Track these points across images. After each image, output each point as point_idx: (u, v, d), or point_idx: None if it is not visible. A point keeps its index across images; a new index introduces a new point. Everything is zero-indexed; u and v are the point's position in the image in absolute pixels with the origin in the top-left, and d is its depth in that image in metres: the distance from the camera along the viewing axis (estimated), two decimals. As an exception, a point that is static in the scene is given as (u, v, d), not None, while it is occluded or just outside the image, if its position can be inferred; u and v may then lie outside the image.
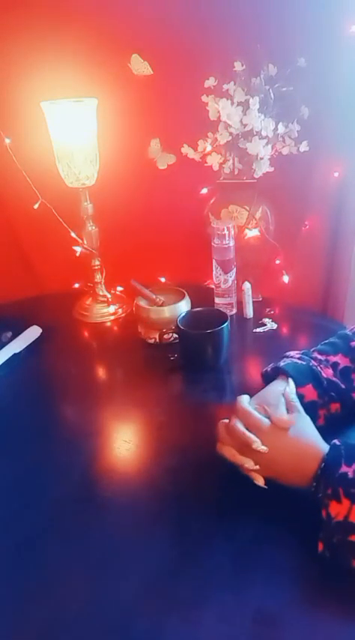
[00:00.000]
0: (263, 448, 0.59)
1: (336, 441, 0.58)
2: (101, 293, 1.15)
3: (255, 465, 0.59)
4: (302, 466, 0.57)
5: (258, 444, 0.59)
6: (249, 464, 0.59)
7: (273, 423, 0.61)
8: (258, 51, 0.93)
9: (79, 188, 1.04)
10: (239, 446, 0.61)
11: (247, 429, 0.61)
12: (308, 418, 0.62)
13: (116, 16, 0.98)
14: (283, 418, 0.61)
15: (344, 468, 0.54)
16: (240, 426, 0.61)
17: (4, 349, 0.98)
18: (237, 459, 0.60)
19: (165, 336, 0.94)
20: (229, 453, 0.61)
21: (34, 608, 0.53)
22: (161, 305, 0.97)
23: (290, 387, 0.67)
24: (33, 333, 1.05)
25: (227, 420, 0.64)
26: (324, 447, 0.58)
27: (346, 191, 1.04)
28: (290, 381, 0.68)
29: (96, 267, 1.13)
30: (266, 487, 0.59)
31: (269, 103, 0.94)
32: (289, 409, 0.64)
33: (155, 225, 1.16)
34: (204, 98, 0.96)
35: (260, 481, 0.59)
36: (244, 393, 0.67)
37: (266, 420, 0.61)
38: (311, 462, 0.56)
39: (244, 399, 0.65)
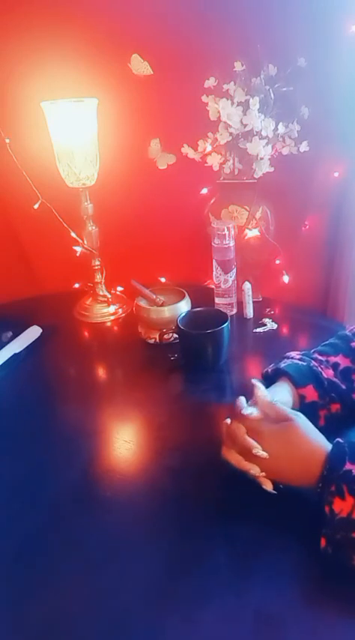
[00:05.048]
0: (263, 454, 0.58)
1: (339, 440, 0.57)
2: (101, 293, 1.15)
3: (261, 470, 0.59)
4: (307, 467, 0.56)
5: (258, 450, 0.58)
6: (254, 470, 0.59)
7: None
8: (258, 51, 0.93)
9: (79, 188, 1.04)
10: (242, 450, 0.60)
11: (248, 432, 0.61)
12: (306, 419, 0.61)
13: (116, 16, 0.98)
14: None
15: (348, 466, 0.54)
16: (240, 431, 0.61)
17: (4, 349, 0.98)
18: (243, 465, 0.60)
19: (165, 336, 0.94)
20: (235, 459, 0.61)
21: (34, 608, 0.52)
22: (161, 305, 0.97)
23: (261, 392, 0.64)
24: (33, 333, 1.04)
25: (229, 421, 0.64)
26: (328, 447, 0.57)
27: (346, 191, 1.05)
28: (260, 387, 0.66)
29: (97, 267, 1.14)
30: (275, 492, 0.58)
31: (269, 103, 0.94)
32: (279, 416, 0.62)
33: (155, 225, 1.16)
34: (204, 98, 0.96)
35: (268, 486, 0.59)
36: (244, 394, 0.67)
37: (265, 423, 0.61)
38: (316, 462, 0.56)
39: (243, 402, 0.65)
